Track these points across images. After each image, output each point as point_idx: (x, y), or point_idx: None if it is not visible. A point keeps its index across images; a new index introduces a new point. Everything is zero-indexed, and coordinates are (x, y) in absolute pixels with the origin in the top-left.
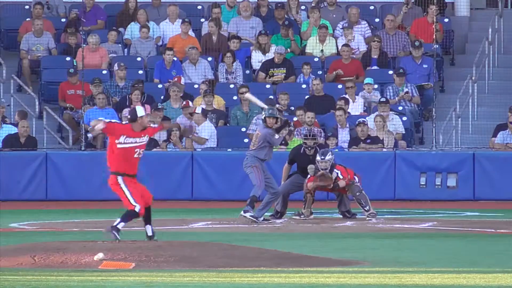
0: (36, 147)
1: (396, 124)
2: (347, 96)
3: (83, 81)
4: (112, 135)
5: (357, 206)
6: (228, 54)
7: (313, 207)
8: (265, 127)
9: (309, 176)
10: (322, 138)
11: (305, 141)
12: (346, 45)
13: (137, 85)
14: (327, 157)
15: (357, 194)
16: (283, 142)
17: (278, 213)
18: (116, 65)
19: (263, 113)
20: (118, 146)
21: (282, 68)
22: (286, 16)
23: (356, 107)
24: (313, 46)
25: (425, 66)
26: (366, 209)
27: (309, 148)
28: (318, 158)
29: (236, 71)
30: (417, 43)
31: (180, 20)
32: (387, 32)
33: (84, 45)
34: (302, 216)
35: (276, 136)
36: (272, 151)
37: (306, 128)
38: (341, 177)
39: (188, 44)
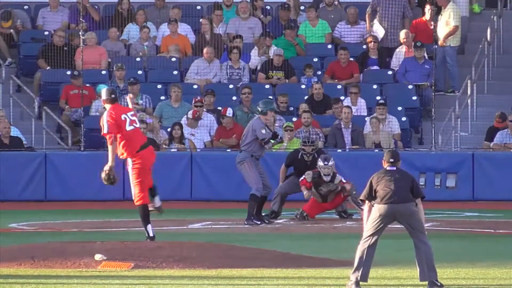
0: (22, 146)
1: (393, 127)
2: (348, 99)
3: (83, 82)
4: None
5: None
6: (235, 51)
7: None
8: (257, 120)
9: (302, 178)
10: (321, 140)
11: (303, 147)
12: (343, 48)
13: (131, 86)
14: (330, 163)
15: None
16: (279, 140)
17: (273, 213)
18: (115, 66)
19: (260, 107)
20: None
21: (280, 71)
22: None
23: (357, 111)
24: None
25: (427, 66)
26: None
27: (308, 155)
28: (321, 163)
29: (244, 70)
30: (418, 43)
31: (182, 24)
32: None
33: (83, 45)
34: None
35: (263, 131)
36: (263, 147)
37: (304, 131)
38: (344, 180)
39: (178, 43)
